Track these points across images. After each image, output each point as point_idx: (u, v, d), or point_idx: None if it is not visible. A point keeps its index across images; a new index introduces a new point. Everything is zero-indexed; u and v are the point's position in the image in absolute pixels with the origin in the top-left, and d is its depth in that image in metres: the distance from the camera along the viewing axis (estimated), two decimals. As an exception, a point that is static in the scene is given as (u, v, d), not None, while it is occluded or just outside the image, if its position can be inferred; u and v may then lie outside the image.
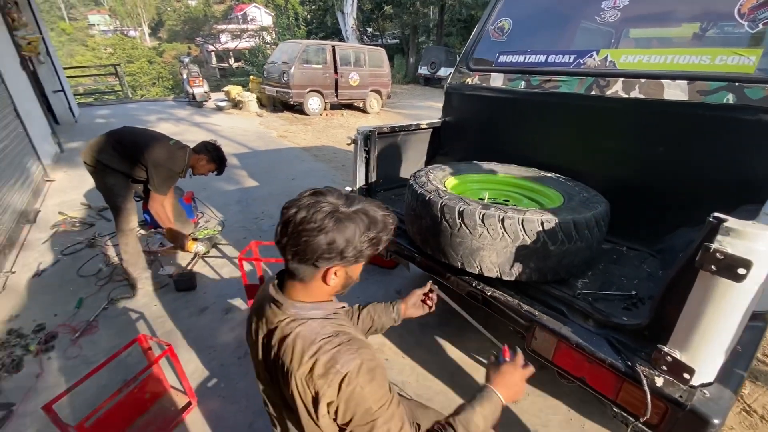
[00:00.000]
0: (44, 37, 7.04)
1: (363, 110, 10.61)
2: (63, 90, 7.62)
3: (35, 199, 4.07)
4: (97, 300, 2.60)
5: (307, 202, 0.76)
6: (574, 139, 1.86)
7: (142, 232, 3.40)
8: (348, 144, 1.86)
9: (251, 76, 10.84)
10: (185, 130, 7.46)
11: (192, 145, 2.71)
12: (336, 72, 9.51)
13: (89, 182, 4.70)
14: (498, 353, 1.04)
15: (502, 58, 2.05)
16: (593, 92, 1.73)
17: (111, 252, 3.14)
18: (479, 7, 23.01)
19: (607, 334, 1.22)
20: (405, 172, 2.27)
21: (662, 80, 1.58)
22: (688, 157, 1.58)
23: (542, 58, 1.92)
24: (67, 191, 4.41)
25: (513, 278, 1.31)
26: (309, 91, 9.14)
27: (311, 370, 0.73)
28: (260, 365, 0.90)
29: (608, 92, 1.69)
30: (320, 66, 9.26)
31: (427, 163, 2.35)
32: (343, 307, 0.90)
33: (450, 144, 2.29)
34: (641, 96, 1.62)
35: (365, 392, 0.73)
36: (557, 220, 1.23)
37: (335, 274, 0.80)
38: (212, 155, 2.67)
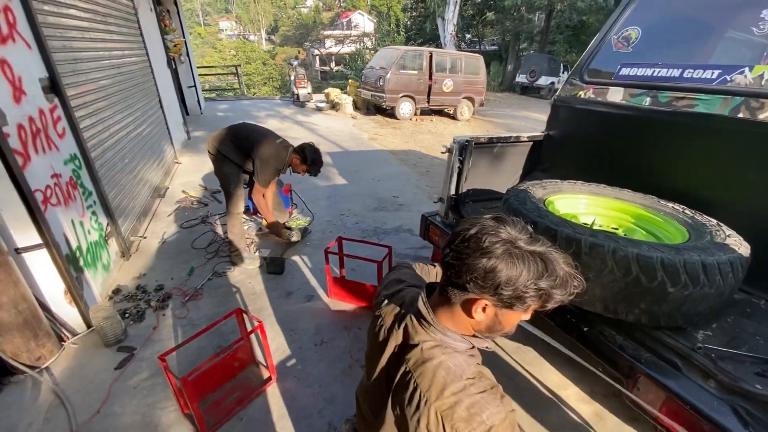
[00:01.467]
0: (186, 40, 8.29)
1: (453, 117, 10.50)
2: (195, 86, 8.88)
3: (166, 178, 4.80)
4: (204, 271, 2.98)
5: (485, 223, 0.72)
6: (708, 167, 1.60)
7: (245, 216, 3.80)
8: (442, 152, 1.86)
9: (350, 80, 11.44)
10: (288, 127, 8.16)
11: (296, 144, 2.96)
12: (431, 78, 9.56)
13: (207, 167, 5.41)
14: None
15: (625, 71, 1.86)
16: (741, 114, 1.47)
17: (218, 230, 3.57)
18: (592, 12, 21.21)
19: (733, 401, 1.03)
20: (497, 185, 2.19)
21: (843, 104, 1.29)
22: None
23: (676, 72, 1.69)
24: (189, 173, 5.13)
25: (617, 317, 1.17)
26: (402, 96, 9.34)
27: (452, 408, 0.69)
28: (379, 370, 0.87)
29: (762, 116, 1.43)
30: (416, 72, 9.40)
31: (523, 177, 2.23)
32: (487, 347, 0.83)
33: (551, 160, 2.15)
34: (809, 122, 1.33)
35: None
36: (682, 259, 1.07)
37: (483, 309, 0.73)
38: (305, 156, 2.83)
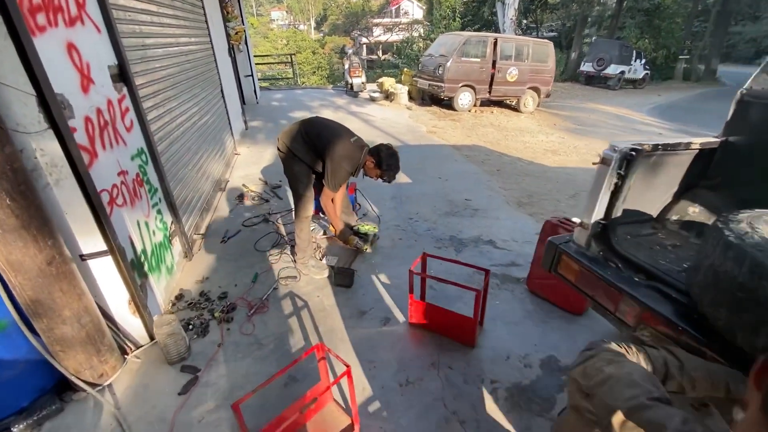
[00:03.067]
0: (245, 28, 8.20)
1: (515, 109, 9.74)
2: (252, 75, 8.83)
3: (226, 170, 4.66)
4: (268, 277, 2.72)
5: None
6: None
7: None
8: (595, 164, 1.40)
9: (405, 69, 10.95)
10: (342, 117, 7.88)
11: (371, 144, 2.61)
12: (494, 66, 8.86)
13: (266, 159, 5.24)
14: None
15: None
16: None
17: (282, 230, 3.31)
18: (672, -7, 19.06)
19: None
20: (644, 204, 1.69)
21: None
22: None
23: None
24: (249, 165, 4.97)
25: None
26: (462, 86, 8.74)
27: None
28: None
29: None
30: (478, 60, 8.75)
31: (678, 195, 1.71)
32: None
33: (728, 174, 1.61)
34: None
35: None
36: None
37: None
38: (380, 160, 2.50)
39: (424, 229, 3.39)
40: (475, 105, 9.22)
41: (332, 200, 2.64)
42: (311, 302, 2.49)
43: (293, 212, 2.71)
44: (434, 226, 3.45)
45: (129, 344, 2.10)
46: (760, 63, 1.77)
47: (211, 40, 4.63)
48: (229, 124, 5.23)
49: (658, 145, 1.46)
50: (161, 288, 2.40)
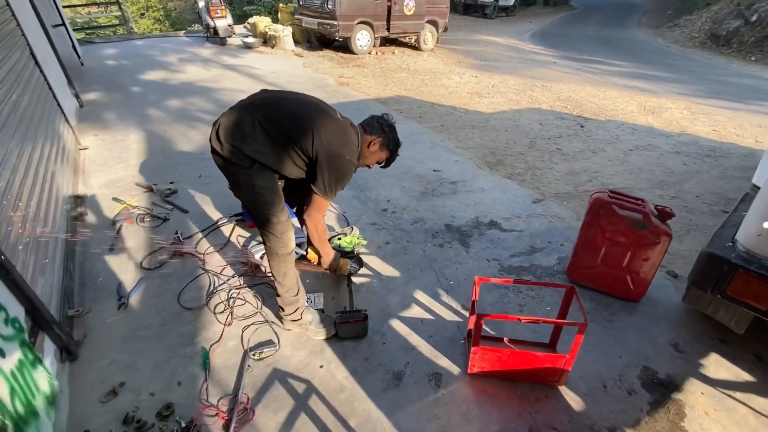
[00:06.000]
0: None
1: (415, 47, 9.07)
2: (64, 24, 6.19)
3: (76, 180, 3.07)
4: (227, 353, 1.76)
5: None
6: None
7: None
8: None
9: (280, 5, 9.10)
10: (220, 75, 6.16)
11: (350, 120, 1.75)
12: (390, -2, 7.86)
13: (133, 150, 3.65)
14: None
15: None
16: None
17: (212, 264, 2.24)
18: None
19: None
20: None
21: None
22: None
23: None
24: (110, 164, 3.38)
25: None
26: (358, 23, 7.61)
27: None
28: None
29: None
30: (370, -11, 7.63)
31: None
32: None
33: None
34: None
35: None
36: None
37: None
38: (389, 138, 1.79)
39: (409, 223, 2.67)
40: (375, 45, 8.24)
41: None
42: (318, 379, 1.67)
43: (264, 248, 1.72)
44: (419, 215, 2.75)
45: None
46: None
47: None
48: (58, 104, 3.43)
49: None
50: (42, 451, 1.29)
